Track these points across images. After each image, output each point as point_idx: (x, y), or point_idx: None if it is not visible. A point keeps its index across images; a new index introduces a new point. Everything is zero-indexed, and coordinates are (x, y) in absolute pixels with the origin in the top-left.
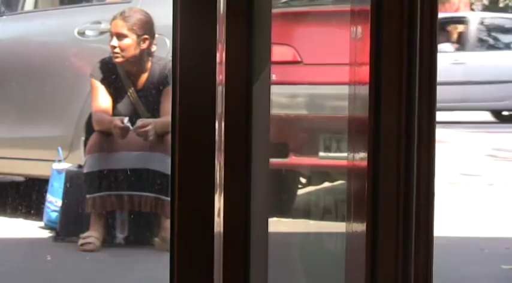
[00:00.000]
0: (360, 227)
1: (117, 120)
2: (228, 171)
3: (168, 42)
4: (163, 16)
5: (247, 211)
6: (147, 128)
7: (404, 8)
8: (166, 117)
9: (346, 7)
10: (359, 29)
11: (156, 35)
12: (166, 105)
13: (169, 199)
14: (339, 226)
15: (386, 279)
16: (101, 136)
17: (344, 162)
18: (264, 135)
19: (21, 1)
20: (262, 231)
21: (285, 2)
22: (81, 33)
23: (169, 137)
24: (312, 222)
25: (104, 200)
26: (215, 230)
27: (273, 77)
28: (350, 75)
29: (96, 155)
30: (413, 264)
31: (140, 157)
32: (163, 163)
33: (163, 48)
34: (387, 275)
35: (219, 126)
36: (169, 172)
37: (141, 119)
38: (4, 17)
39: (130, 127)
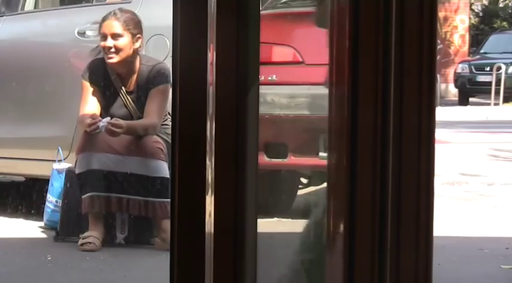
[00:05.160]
0: (339, 227)
1: (86, 121)
2: (218, 171)
3: (168, 42)
4: (164, 16)
5: (237, 211)
6: (118, 130)
7: (380, 8)
8: (146, 120)
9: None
10: (337, 29)
11: (156, 35)
12: (151, 105)
13: (158, 200)
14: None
15: (363, 278)
16: (86, 136)
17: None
18: (254, 135)
19: (21, 1)
20: (251, 231)
21: (285, 3)
22: (81, 33)
23: (147, 139)
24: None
25: (93, 200)
26: (206, 230)
27: (274, 77)
28: (329, 75)
29: (84, 155)
30: (413, 263)
31: (118, 161)
32: (143, 167)
33: (163, 48)
34: (364, 274)
35: (210, 126)
36: (151, 174)
37: (115, 119)
38: (4, 17)
39: (101, 123)
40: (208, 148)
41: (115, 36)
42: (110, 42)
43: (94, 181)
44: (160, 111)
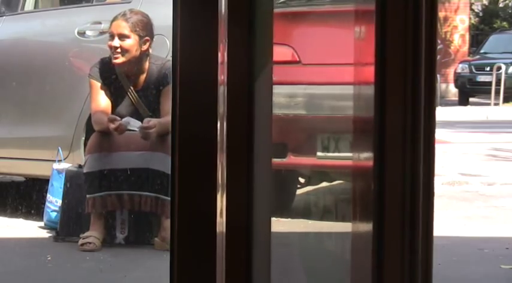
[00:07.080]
0: (366, 227)
1: (109, 121)
2: (230, 171)
3: (168, 42)
4: (164, 16)
5: (250, 212)
6: (152, 131)
7: (409, 8)
8: (168, 118)
9: (345, 7)
10: (363, 28)
11: (156, 35)
12: (167, 105)
13: (169, 199)
14: (340, 226)
15: (393, 280)
16: (100, 136)
17: (342, 162)
18: (266, 135)
19: (21, 1)
20: (264, 231)
21: (283, 2)
22: (81, 33)
23: (170, 136)
24: (311, 221)
25: (105, 200)
26: (217, 230)
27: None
28: (354, 75)
29: (96, 155)
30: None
31: (141, 157)
32: (164, 163)
33: (163, 48)
34: (394, 276)
35: (221, 126)
36: (168, 171)
37: (147, 119)
38: (4, 17)
39: (131, 127)
40: (219, 148)
41: (122, 36)
42: (116, 42)
43: (105, 180)
44: None
